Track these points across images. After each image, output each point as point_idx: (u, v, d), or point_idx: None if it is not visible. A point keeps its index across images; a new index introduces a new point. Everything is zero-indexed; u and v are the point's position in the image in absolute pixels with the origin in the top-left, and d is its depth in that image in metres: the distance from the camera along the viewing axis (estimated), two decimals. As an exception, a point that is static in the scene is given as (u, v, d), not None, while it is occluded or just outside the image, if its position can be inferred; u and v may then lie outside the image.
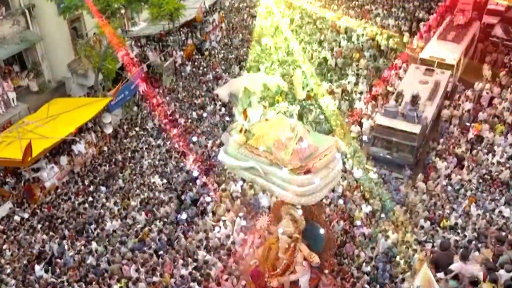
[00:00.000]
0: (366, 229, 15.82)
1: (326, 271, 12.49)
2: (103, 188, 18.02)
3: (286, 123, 10.54)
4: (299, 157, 9.89)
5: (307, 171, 10.03)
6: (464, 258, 7.95)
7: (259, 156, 10.49)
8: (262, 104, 11.02)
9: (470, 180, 17.65)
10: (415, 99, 19.06)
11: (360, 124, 21.57)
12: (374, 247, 14.96)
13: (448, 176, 17.97)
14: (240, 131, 10.76)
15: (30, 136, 17.04)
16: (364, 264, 14.28)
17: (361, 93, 23.90)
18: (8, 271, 14.38)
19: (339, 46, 29.02)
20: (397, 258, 14.41)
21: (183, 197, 17.38)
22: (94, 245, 15.30)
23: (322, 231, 11.13)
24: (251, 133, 10.72)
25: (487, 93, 23.20)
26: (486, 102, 22.89)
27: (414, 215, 16.28)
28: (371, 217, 16.45)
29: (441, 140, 20.56)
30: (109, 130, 20.46)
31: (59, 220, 16.43)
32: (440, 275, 7.64)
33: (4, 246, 15.46)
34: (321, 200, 12.21)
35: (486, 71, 25.51)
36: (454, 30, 26.42)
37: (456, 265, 7.85)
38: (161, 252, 14.89)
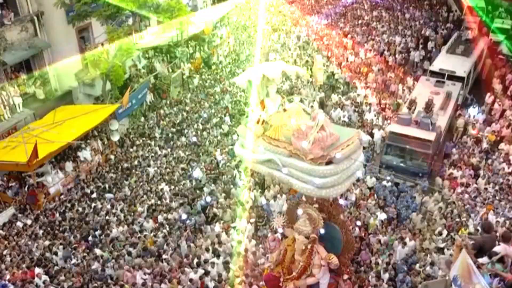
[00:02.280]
0: (382, 236, 15.27)
1: (346, 277, 11.87)
2: (108, 195, 17.47)
3: (305, 112, 10.14)
4: (321, 146, 9.44)
5: (329, 162, 9.57)
6: (507, 239, 7.41)
7: (277, 147, 10.04)
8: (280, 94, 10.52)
9: (486, 189, 17.19)
10: (429, 106, 18.68)
11: (371, 135, 21.19)
12: (392, 253, 14.37)
13: (465, 185, 17.45)
14: (258, 122, 10.34)
15: (35, 141, 16.60)
16: (382, 271, 13.68)
17: (370, 104, 23.61)
18: (8, 277, 13.74)
19: (347, 61, 28.96)
20: (417, 266, 13.83)
21: (192, 205, 16.86)
22: (98, 251, 14.72)
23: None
24: (269, 124, 10.30)
25: (499, 105, 22.99)
26: (498, 114, 22.70)
27: (431, 222, 15.73)
28: (386, 225, 15.89)
29: (454, 150, 20.17)
30: (115, 138, 20.06)
31: (63, 227, 15.87)
32: (483, 260, 7.08)
33: (5, 252, 14.86)
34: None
35: (497, 85, 25.42)
36: (463, 44, 26.39)
37: (500, 248, 7.31)
38: (166, 257, 14.32)
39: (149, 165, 19.46)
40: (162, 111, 23.67)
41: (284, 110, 10.33)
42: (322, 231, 10.77)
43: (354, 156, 9.95)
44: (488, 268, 7.03)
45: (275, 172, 10.37)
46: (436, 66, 24.27)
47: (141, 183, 18.10)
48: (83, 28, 22.90)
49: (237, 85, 25.47)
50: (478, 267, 7.00)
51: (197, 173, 18.54)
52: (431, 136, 18.21)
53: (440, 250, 14.28)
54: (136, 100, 22.24)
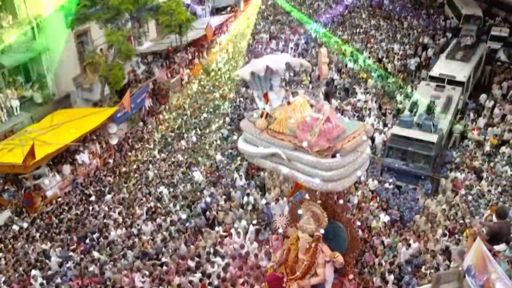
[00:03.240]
0: (385, 238, 15.02)
1: (351, 276, 11.56)
2: (107, 197, 17.18)
3: (310, 105, 9.94)
4: (327, 137, 9.20)
5: (335, 154, 9.34)
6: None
7: (282, 140, 9.80)
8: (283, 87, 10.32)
9: (490, 191, 17.01)
10: (430, 108, 18.57)
11: (372, 139, 21.02)
12: (396, 255, 14.12)
13: (469, 187, 17.27)
14: (261, 115, 10.13)
15: (33, 141, 16.33)
16: (387, 273, 13.41)
17: (370, 109, 23.51)
18: (3, 279, 13.39)
19: (346, 67, 28.99)
20: (423, 268, 13.56)
21: (192, 207, 16.56)
22: (96, 254, 14.38)
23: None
24: (273, 117, 10.08)
25: (500, 109, 22.97)
26: (498, 118, 22.69)
27: (435, 224, 15.49)
28: (390, 227, 15.64)
29: (455, 154, 20.04)
30: (114, 141, 19.81)
31: (59, 229, 15.53)
32: (500, 247, 6.83)
33: (0, 255, 14.51)
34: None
35: (496, 90, 25.49)
36: (462, 50, 26.45)
37: (516, 233, 7.09)
38: (165, 259, 13.99)
39: (148, 169, 19.21)
40: (161, 116, 23.48)
41: (288, 103, 10.13)
42: (322, 231, 10.54)
43: (360, 149, 9.76)
44: (505, 254, 6.79)
45: (279, 167, 10.13)
46: (435, 71, 24.21)
47: (140, 186, 17.82)
48: (81, 33, 22.77)
49: (237, 89, 25.93)
50: (494, 254, 6.75)
51: (197, 176, 18.29)
52: (433, 138, 18.06)
53: (445, 252, 14.04)
54: (135, 104, 22.01)
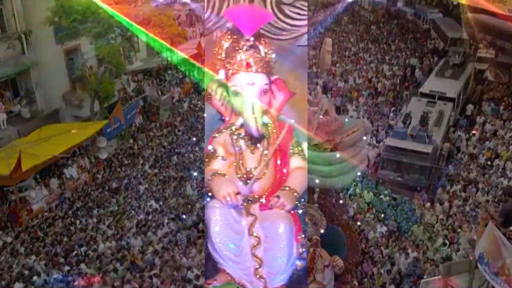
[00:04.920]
0: (383, 248, 14.66)
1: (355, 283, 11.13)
2: (95, 212, 16.60)
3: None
4: (326, 130, 8.99)
5: (334, 148, 9.08)
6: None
7: (278, 136, 9.50)
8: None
9: (488, 201, 16.80)
10: (424, 119, 18.52)
11: (365, 154, 20.83)
12: (395, 263, 13.76)
13: (465, 199, 17.09)
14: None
15: (19, 152, 15.79)
16: (388, 282, 13.01)
17: (363, 125, 23.43)
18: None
19: (337, 86, 29.08)
20: (424, 277, 13.16)
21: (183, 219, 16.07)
22: (83, 267, 13.73)
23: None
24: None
25: (492, 125, 23.07)
26: (490, 133, 22.76)
27: (434, 234, 15.19)
28: (387, 237, 15.28)
29: (450, 167, 19.89)
30: (103, 155, 19.32)
31: (45, 243, 14.86)
32: (515, 227, 6.51)
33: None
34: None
35: (486, 107, 25.68)
36: (451, 69, 26.75)
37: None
38: (156, 271, 13.42)
39: (140, 183, 18.72)
40: (151, 133, 23.08)
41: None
42: (322, 231, 10.16)
43: (360, 144, 9.52)
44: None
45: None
46: (426, 88, 24.33)
47: (130, 200, 17.29)
48: (71, 50, 22.54)
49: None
50: (509, 238, 6.42)
51: (189, 190, 17.86)
52: (427, 148, 17.94)
53: (445, 261, 13.68)
54: (125, 120, 21.66)
